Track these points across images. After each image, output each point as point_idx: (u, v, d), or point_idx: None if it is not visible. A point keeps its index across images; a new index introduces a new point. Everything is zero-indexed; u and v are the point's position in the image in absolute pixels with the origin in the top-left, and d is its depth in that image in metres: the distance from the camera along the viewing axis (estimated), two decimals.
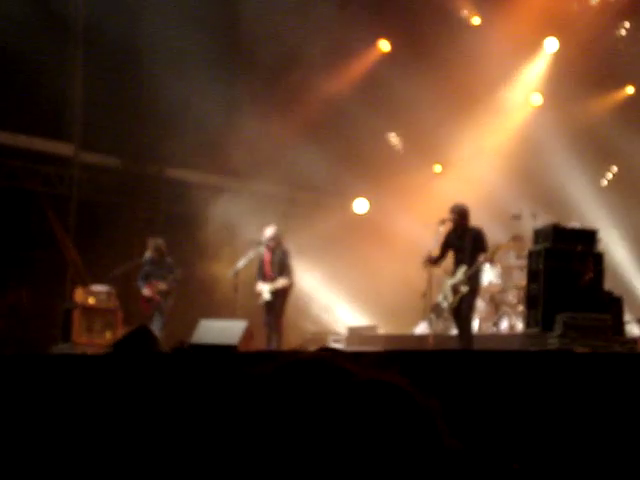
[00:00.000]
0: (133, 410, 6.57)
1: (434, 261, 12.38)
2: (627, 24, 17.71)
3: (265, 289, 13.68)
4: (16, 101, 15.88)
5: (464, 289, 12.11)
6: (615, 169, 18.30)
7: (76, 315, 14.35)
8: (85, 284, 15.11)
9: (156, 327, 13.77)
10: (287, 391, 1.80)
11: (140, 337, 8.28)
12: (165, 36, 16.04)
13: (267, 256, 13.84)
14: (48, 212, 16.49)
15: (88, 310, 14.45)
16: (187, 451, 5.77)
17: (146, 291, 14.32)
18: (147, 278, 14.41)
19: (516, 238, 15.32)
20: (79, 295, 14.58)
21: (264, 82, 17.39)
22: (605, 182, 18.20)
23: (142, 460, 5.97)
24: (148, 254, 14.60)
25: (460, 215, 12.30)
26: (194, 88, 16.13)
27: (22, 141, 16.48)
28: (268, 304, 13.67)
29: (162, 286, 14.26)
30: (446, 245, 12.43)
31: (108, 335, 14.21)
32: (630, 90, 17.88)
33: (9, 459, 6.39)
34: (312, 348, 8.82)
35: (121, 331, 13.65)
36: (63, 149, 16.99)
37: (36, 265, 16.24)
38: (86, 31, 16.62)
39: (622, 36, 17.82)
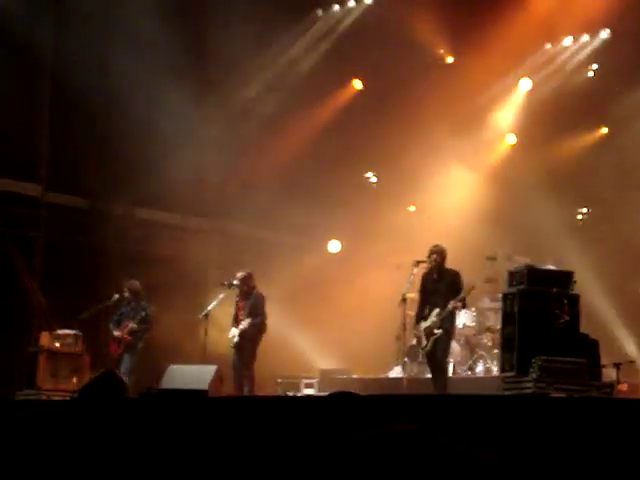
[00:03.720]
0: (100, 457, 6.44)
1: (419, 313, 12.25)
2: (595, 66, 17.85)
3: (232, 332, 13.54)
4: None
5: (438, 332, 11.99)
6: (587, 210, 18.33)
7: (41, 360, 14.05)
8: (51, 328, 14.83)
9: (125, 370, 13.54)
10: (386, 459, 1.82)
11: (107, 382, 8.07)
12: (135, 74, 15.95)
13: (241, 301, 13.72)
14: (13, 253, 16.24)
15: (54, 355, 14.15)
16: None
17: (117, 332, 14.10)
18: (120, 320, 14.22)
19: (490, 280, 15.24)
20: (45, 339, 14.29)
21: (237, 121, 17.34)
22: (579, 223, 18.21)
23: None
24: (116, 296, 14.39)
25: (439, 256, 12.24)
26: (164, 127, 16.04)
27: None
28: (237, 347, 13.52)
29: (132, 325, 14.05)
30: (423, 289, 12.32)
31: (74, 380, 13.91)
32: (604, 130, 17.97)
33: None
34: (284, 392, 8.68)
35: (88, 376, 13.37)
36: (30, 189, 16.80)
37: (0, 308, 15.94)
38: (54, 68, 16.52)
39: (591, 77, 17.94)
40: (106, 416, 7.15)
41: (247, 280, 13.73)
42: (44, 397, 13.47)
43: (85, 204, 17.29)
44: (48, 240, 16.79)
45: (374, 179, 19.07)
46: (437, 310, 12.06)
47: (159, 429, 7.06)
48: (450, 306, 12.02)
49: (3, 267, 16.15)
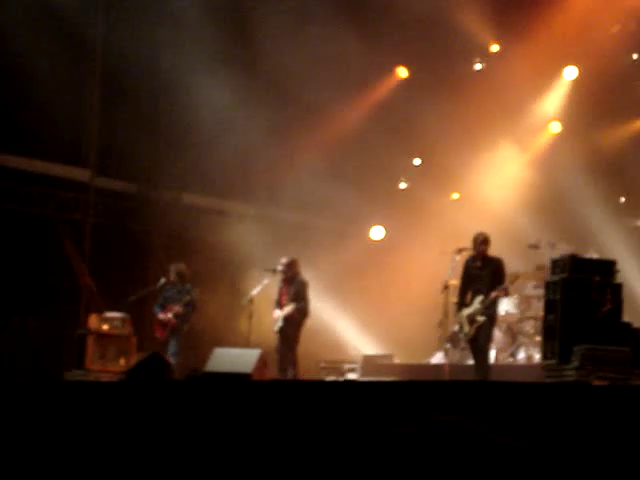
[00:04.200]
0: (147, 437, 6.55)
1: (461, 299, 12.29)
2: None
3: (279, 317, 13.66)
4: (33, 126, 15.88)
5: (481, 319, 12.03)
6: (629, 198, 18.19)
7: (90, 342, 14.29)
8: (99, 310, 15.06)
9: (171, 353, 13.74)
10: (429, 449, 1.87)
11: (154, 364, 8.25)
12: (182, 61, 16.09)
13: (284, 286, 13.86)
14: (64, 237, 16.48)
15: (102, 337, 14.39)
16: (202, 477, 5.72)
17: (162, 316, 14.27)
18: (165, 303, 14.39)
19: (535, 267, 15.22)
20: (93, 321, 14.53)
21: (282, 108, 17.40)
22: (623, 211, 18.08)
23: None
24: (163, 280, 14.56)
25: (483, 243, 12.27)
26: (211, 113, 16.15)
27: (38, 166, 16.52)
28: (281, 332, 13.67)
29: (178, 309, 14.22)
30: (466, 276, 12.35)
31: (122, 362, 14.14)
32: None
33: None
34: (327, 377, 8.77)
35: (135, 358, 13.59)
36: (79, 174, 17.01)
37: (50, 291, 16.20)
38: (104, 56, 16.71)
39: (638, 65, 17.76)
40: (153, 397, 7.30)
41: (291, 266, 13.86)
42: (92, 378, 13.71)
43: (133, 189, 17.51)
44: (97, 224, 17.01)
45: (419, 165, 19.06)
46: (480, 297, 12.10)
47: (204, 411, 7.16)
48: (493, 294, 12.05)
49: (53, 251, 16.41)
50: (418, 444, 1.85)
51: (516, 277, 12.53)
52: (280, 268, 13.85)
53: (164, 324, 14.30)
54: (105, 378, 13.41)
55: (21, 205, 16.46)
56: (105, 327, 14.47)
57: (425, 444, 1.84)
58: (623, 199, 18.06)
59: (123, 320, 14.59)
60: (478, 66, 18.07)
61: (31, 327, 16.06)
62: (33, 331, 16.03)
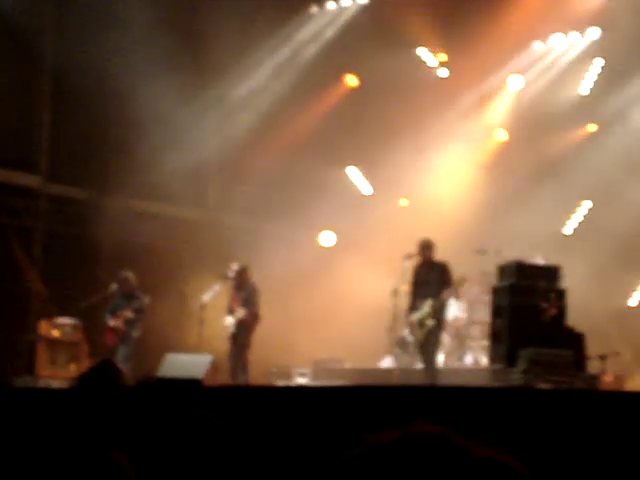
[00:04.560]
0: (98, 444, 6.54)
1: (411, 304, 12.44)
2: (585, 64, 17.99)
3: (230, 322, 13.74)
4: None
5: (430, 323, 12.18)
6: (577, 205, 18.49)
7: (40, 348, 14.22)
8: (50, 316, 14.98)
9: (121, 359, 13.70)
10: (405, 463, 1.84)
11: (105, 370, 8.23)
12: (134, 68, 16.04)
13: (235, 292, 13.92)
14: (13, 243, 16.34)
15: (52, 343, 14.33)
16: None
17: (112, 322, 14.25)
18: (114, 310, 14.36)
19: (481, 273, 15.42)
20: (44, 327, 14.46)
21: (233, 114, 17.44)
22: (568, 218, 18.38)
23: None
24: (115, 286, 14.54)
25: (427, 249, 12.43)
26: (162, 120, 16.13)
27: None
28: (233, 337, 13.74)
29: (128, 315, 14.20)
30: (415, 281, 12.52)
31: (73, 368, 14.07)
32: (592, 128, 18.13)
33: None
34: (278, 381, 8.83)
35: (86, 364, 13.52)
36: (29, 181, 16.89)
37: (1, 296, 16.06)
38: (54, 61, 16.57)
39: (581, 75, 18.07)
40: (104, 403, 7.30)
41: (242, 272, 13.96)
42: (42, 384, 13.62)
43: (83, 195, 17.39)
44: (47, 230, 16.88)
45: (367, 172, 19.21)
46: (429, 301, 12.26)
47: (156, 417, 7.16)
48: (443, 296, 12.22)
49: (3, 257, 16.25)
50: (396, 457, 1.86)
51: (464, 280, 12.71)
52: (231, 274, 13.92)
53: (114, 330, 14.27)
54: (56, 384, 13.33)
55: None
56: (56, 333, 14.40)
57: (404, 458, 1.85)
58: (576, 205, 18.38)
59: (74, 326, 14.53)
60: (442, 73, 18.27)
61: None
62: None
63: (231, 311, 13.89)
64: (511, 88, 18.29)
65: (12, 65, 15.80)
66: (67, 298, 15.45)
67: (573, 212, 18.26)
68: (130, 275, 14.51)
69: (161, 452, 6.17)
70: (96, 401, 7.37)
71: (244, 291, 13.92)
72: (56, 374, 14.01)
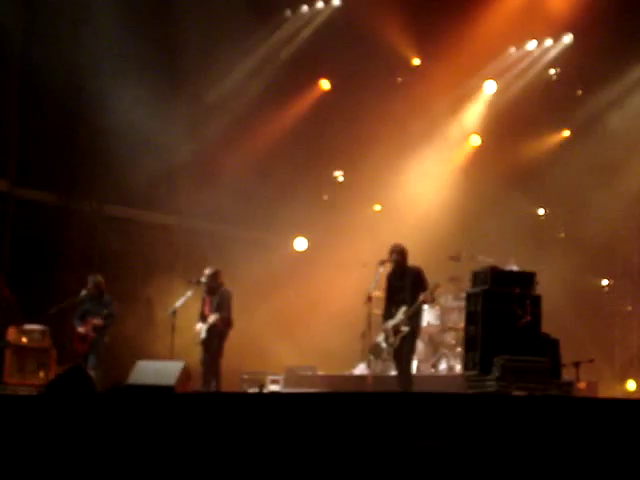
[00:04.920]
0: (68, 451, 6.46)
1: (386, 311, 12.36)
2: (557, 70, 18.05)
3: (202, 328, 13.58)
4: None
5: (405, 329, 12.10)
6: (548, 210, 18.53)
7: (8, 355, 14.02)
8: (18, 323, 14.78)
9: (91, 366, 13.55)
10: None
11: (74, 377, 8.11)
12: (104, 71, 15.91)
13: (207, 297, 13.77)
14: None
15: (21, 349, 14.13)
16: None
17: (81, 329, 14.07)
18: (84, 316, 14.18)
19: (454, 279, 15.37)
20: (12, 334, 14.26)
21: (206, 119, 17.34)
22: (541, 223, 18.41)
23: None
24: (84, 292, 14.35)
25: (400, 255, 12.35)
26: (133, 124, 16.00)
27: None
28: (205, 343, 13.57)
29: (97, 321, 14.03)
30: (389, 287, 12.44)
31: (41, 375, 13.90)
32: (566, 133, 18.18)
33: None
34: (250, 389, 8.73)
35: (55, 371, 13.38)
36: None
37: None
38: (22, 62, 16.40)
39: (554, 81, 18.13)
40: (73, 411, 7.18)
41: (215, 277, 13.80)
42: (10, 391, 13.44)
43: (53, 200, 17.19)
44: (15, 235, 16.69)
45: (341, 178, 19.16)
46: (404, 308, 12.18)
47: (126, 424, 7.08)
48: (419, 300, 12.14)
49: None
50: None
51: (437, 286, 12.63)
52: (203, 279, 13.78)
53: (83, 337, 14.10)
54: (24, 392, 13.16)
55: None
56: (24, 340, 14.21)
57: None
58: (542, 210, 18.41)
59: (42, 332, 14.35)
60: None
61: None
62: None
63: (203, 317, 13.73)
64: (485, 93, 18.29)
65: None
66: (36, 304, 15.26)
67: (545, 217, 18.28)
68: (99, 279, 14.34)
69: (129, 457, 6.08)
70: (65, 408, 7.28)
71: (216, 296, 13.76)
72: (24, 381, 13.83)
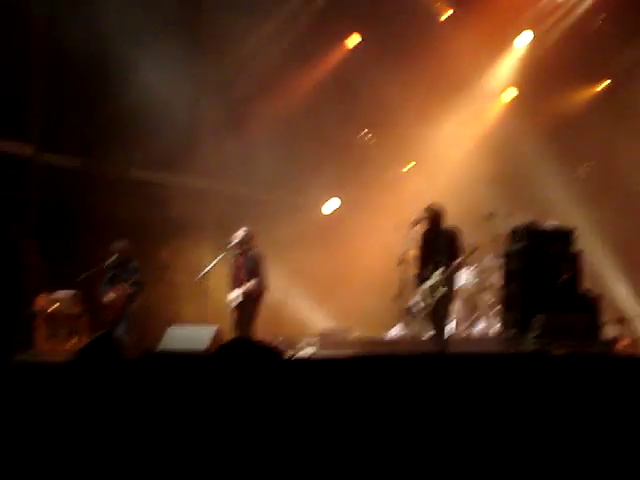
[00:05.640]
0: (98, 420, 6.39)
1: (420, 272, 12.13)
2: (602, 16, 17.57)
3: (235, 293, 13.38)
4: None
5: (441, 291, 11.90)
6: (589, 165, 18.18)
7: (39, 322, 13.97)
8: (48, 289, 14.73)
9: (121, 333, 13.43)
10: None
11: (105, 344, 8.00)
12: (129, 33, 15.76)
13: (239, 260, 13.52)
14: (7, 215, 16.10)
15: (52, 316, 14.08)
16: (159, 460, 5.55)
17: (109, 295, 13.96)
18: (111, 282, 14.07)
19: (493, 238, 15.14)
20: (42, 301, 14.20)
21: (232, 79, 17.14)
22: (581, 177, 18.08)
23: (106, 474, 5.77)
24: (113, 257, 14.23)
25: (435, 215, 12.11)
26: (159, 87, 15.85)
27: None
28: (239, 308, 13.37)
29: (125, 288, 13.91)
30: (424, 248, 12.20)
31: (73, 342, 13.85)
32: (606, 82, 17.76)
33: None
34: (285, 353, 8.45)
35: (86, 338, 13.32)
36: (22, 149, 16.63)
37: None
38: (48, 27, 16.29)
39: (594, 29, 17.68)
40: (105, 377, 7.08)
41: (247, 239, 13.54)
42: (42, 359, 13.40)
43: (79, 164, 17.14)
44: (41, 201, 16.67)
45: (372, 137, 18.89)
46: (440, 269, 11.97)
47: (159, 391, 7.01)
48: (454, 265, 11.93)
49: None
50: None
51: (475, 248, 12.42)
52: (236, 241, 13.54)
53: (112, 303, 13.99)
54: (56, 359, 13.12)
55: None
56: (55, 306, 14.15)
57: None
58: (580, 164, 18.08)
59: (73, 299, 14.27)
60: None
61: None
62: None
63: (237, 280, 13.50)
64: (521, 44, 17.85)
65: (4, 32, 15.49)
66: (65, 270, 15.21)
67: (584, 171, 17.94)
68: (125, 245, 14.20)
69: (161, 424, 5.93)
70: (96, 375, 7.21)
71: (250, 259, 13.52)
72: (56, 348, 13.78)
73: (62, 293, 14.36)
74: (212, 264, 13.53)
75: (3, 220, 16.04)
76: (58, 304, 14.18)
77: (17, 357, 13.48)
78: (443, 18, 17.93)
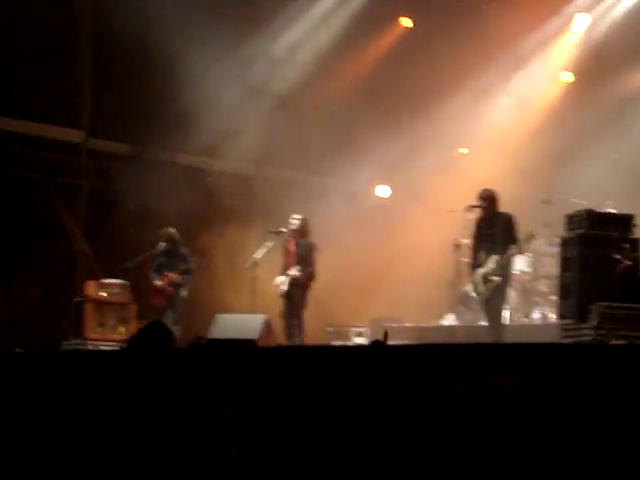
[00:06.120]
0: (149, 407, 6.42)
1: (474, 259, 11.94)
2: None
3: (283, 280, 13.24)
4: (24, 87, 15.56)
5: (495, 278, 11.71)
6: None
7: (88, 309, 13.99)
8: (97, 277, 14.76)
9: (170, 321, 13.38)
10: (486, 409, 1.76)
11: (155, 332, 7.98)
12: (177, 19, 15.78)
13: (291, 247, 13.36)
14: (56, 201, 16.20)
15: (100, 304, 14.09)
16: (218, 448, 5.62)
17: (158, 282, 13.92)
18: (160, 269, 14.05)
19: (547, 224, 14.89)
20: (90, 288, 14.21)
21: (282, 63, 17.06)
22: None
23: (157, 456, 5.76)
24: (162, 244, 14.19)
25: (489, 201, 11.92)
26: (206, 73, 15.85)
27: (30, 128, 16.17)
28: (287, 296, 13.23)
29: (174, 277, 13.86)
30: (478, 235, 11.99)
31: (122, 330, 13.86)
32: None
33: (19, 457, 6.35)
34: (334, 341, 8.51)
35: (135, 326, 13.32)
36: (72, 136, 16.71)
37: (44, 257, 15.91)
38: (96, 15, 16.41)
39: None
40: (156, 366, 7.06)
41: (301, 226, 13.38)
42: (91, 347, 13.45)
43: (127, 150, 17.19)
44: (90, 187, 16.76)
45: (425, 121, 18.67)
46: (494, 256, 11.77)
47: (209, 379, 7.02)
48: (509, 252, 11.72)
49: (47, 215, 16.14)
50: (477, 405, 1.79)
51: (531, 235, 12.20)
52: (288, 228, 13.37)
53: (161, 291, 13.96)
54: (105, 347, 13.17)
55: (12, 168, 16.11)
56: (103, 294, 14.16)
57: (484, 405, 1.80)
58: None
59: (122, 287, 14.27)
60: None
61: (29, 295, 15.79)
62: (30, 299, 15.75)
63: (286, 268, 13.35)
64: (577, 26, 17.55)
65: (53, 20, 15.64)
66: (113, 257, 15.25)
67: None
68: (173, 232, 14.16)
69: (211, 411, 5.90)
70: (147, 363, 7.24)
71: (300, 247, 13.35)
72: (105, 337, 13.83)
73: (110, 281, 14.37)
74: (261, 252, 13.41)
75: (53, 206, 16.16)
76: (107, 292, 14.18)
77: (66, 344, 13.56)
78: None
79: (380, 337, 14.16)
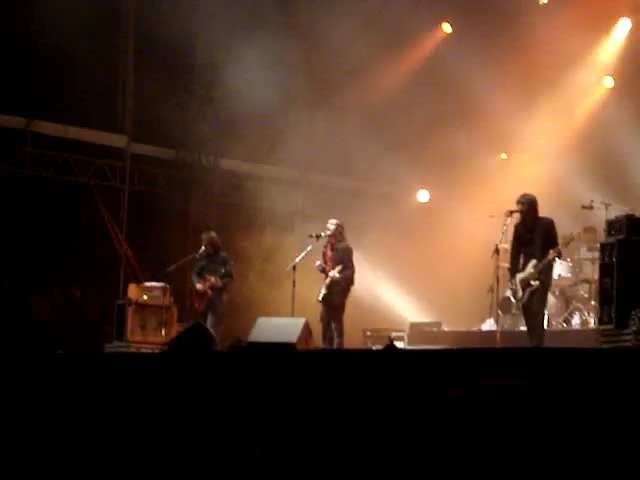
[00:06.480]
0: (191, 410, 6.37)
1: (513, 264, 11.86)
2: None
3: (322, 285, 13.27)
4: (68, 93, 15.70)
5: (535, 284, 11.61)
6: None
7: (130, 312, 14.07)
8: (138, 280, 14.84)
9: (210, 324, 13.41)
10: (482, 415, 2.00)
11: (196, 335, 8.00)
12: (219, 24, 15.81)
13: (328, 251, 13.40)
14: (100, 205, 16.29)
15: (142, 307, 14.16)
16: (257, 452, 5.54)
17: (199, 286, 13.96)
18: (201, 273, 14.08)
19: (588, 230, 14.75)
20: (132, 291, 14.30)
21: (323, 71, 17.04)
22: None
23: (199, 461, 5.76)
24: (203, 249, 14.24)
25: (529, 206, 11.80)
26: (250, 79, 15.84)
27: (74, 133, 16.31)
28: (325, 300, 13.25)
29: (214, 281, 13.88)
30: (517, 240, 11.91)
31: (163, 333, 13.92)
32: None
33: (63, 456, 6.32)
34: (373, 346, 8.47)
35: (176, 329, 13.38)
36: (115, 141, 16.82)
37: (87, 260, 16.01)
38: (138, 22, 16.52)
39: None
40: (196, 369, 7.07)
41: (337, 231, 13.41)
42: (133, 349, 13.52)
43: (170, 155, 17.27)
44: (133, 191, 16.83)
45: (466, 125, 18.56)
46: (533, 261, 11.67)
47: (249, 383, 6.98)
48: (549, 257, 11.63)
49: (90, 219, 16.23)
50: (472, 409, 1.99)
51: (570, 239, 12.08)
52: (325, 233, 13.40)
53: (202, 295, 13.98)
54: (146, 349, 13.23)
55: (56, 172, 16.25)
56: (145, 297, 14.23)
57: (480, 410, 2.00)
58: None
59: (163, 290, 14.33)
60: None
61: (72, 298, 15.89)
62: (73, 302, 15.85)
63: (324, 271, 13.38)
64: (620, 31, 17.36)
65: (96, 28, 15.74)
66: (155, 261, 15.32)
67: None
68: (214, 236, 14.19)
69: (251, 414, 5.86)
70: (188, 366, 7.22)
71: (338, 251, 13.39)
72: (147, 339, 13.90)
73: (152, 284, 14.45)
74: (301, 256, 13.45)
75: (96, 210, 16.25)
76: (148, 295, 14.26)
77: (108, 346, 13.64)
78: (542, 2, 17.45)
79: (411, 343, 14.19)
